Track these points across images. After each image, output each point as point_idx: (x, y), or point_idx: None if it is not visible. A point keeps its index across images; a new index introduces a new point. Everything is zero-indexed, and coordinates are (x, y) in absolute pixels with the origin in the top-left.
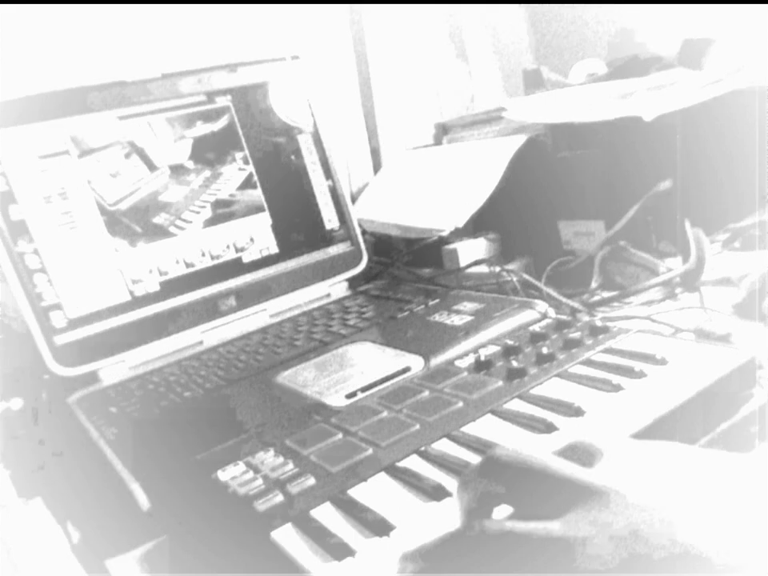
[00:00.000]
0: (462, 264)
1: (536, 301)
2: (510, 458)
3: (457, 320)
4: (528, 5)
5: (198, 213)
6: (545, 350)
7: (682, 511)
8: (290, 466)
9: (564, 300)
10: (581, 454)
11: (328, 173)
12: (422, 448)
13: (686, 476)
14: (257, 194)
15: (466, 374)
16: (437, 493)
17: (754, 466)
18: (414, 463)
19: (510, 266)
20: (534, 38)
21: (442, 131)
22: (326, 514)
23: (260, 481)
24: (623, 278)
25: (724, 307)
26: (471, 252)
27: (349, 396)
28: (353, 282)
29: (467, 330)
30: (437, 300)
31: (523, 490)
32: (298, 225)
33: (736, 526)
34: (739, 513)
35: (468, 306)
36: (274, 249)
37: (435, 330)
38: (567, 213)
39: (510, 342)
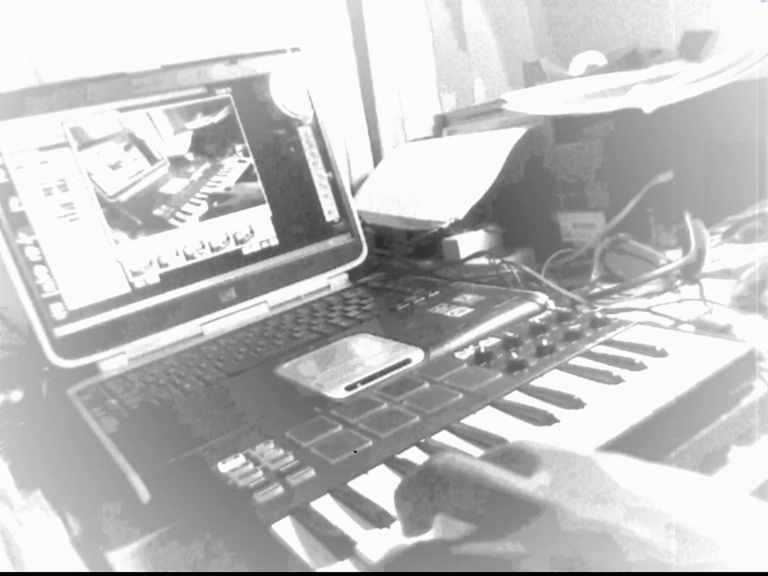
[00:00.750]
0: (462, 256)
1: (536, 293)
2: (446, 470)
3: (457, 312)
4: None
5: (198, 205)
6: (545, 342)
7: (624, 532)
8: (290, 458)
9: (564, 292)
10: (520, 459)
11: (328, 165)
12: (422, 440)
13: (627, 491)
14: (257, 186)
15: (465, 366)
16: None
17: (700, 485)
18: (414, 455)
19: (510, 258)
20: (534, 30)
21: (442, 123)
22: (326, 506)
23: (260, 473)
24: (623, 270)
25: (724, 299)
26: (471, 244)
27: (349, 388)
28: (353, 274)
29: (467, 322)
30: (437, 292)
31: (461, 501)
32: (298, 217)
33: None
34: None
35: (468, 298)
36: (274, 241)
37: (435, 321)
38: (567, 205)
39: (510, 334)
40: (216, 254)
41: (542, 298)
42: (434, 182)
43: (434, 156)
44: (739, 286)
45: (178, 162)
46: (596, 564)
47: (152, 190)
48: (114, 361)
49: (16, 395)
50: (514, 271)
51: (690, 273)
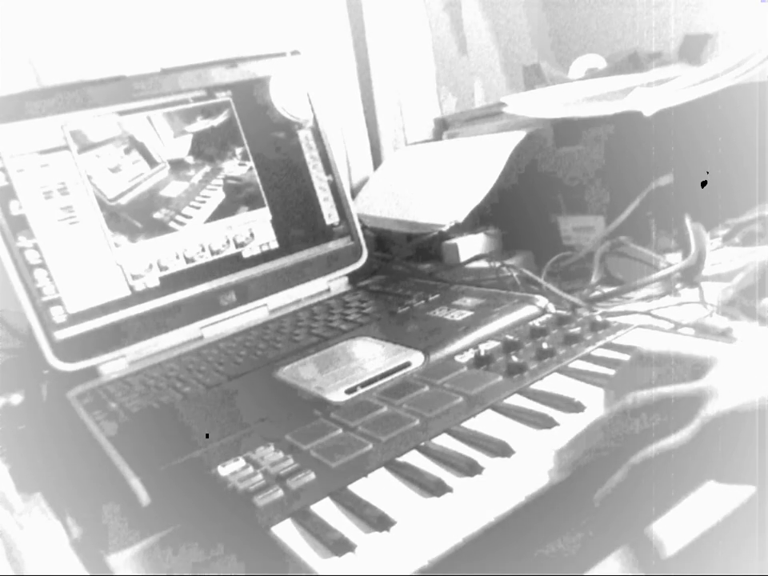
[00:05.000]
0: (462, 259)
1: (536, 296)
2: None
3: (457, 315)
4: None
5: (198, 208)
6: (545, 346)
7: None
8: (290, 461)
9: (564, 295)
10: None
11: (328, 168)
12: (422, 443)
13: None
14: (257, 190)
15: (465, 369)
16: (437, 488)
17: None
18: (414, 458)
19: (509, 262)
20: (534, 34)
21: (442, 126)
22: (326, 510)
23: (260, 476)
24: (623, 273)
25: (722, 303)
26: (471, 247)
27: (349, 391)
28: (353, 278)
29: (467, 326)
30: (437, 295)
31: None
32: (298, 220)
33: None
34: None
35: (468, 301)
36: (274, 244)
37: (435, 325)
38: (567, 208)
39: (510, 338)
40: (216, 257)
41: (542, 301)
42: (434, 186)
43: (434, 159)
44: (728, 291)
45: (178, 165)
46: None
47: (152, 193)
48: (114, 364)
49: (16, 398)
50: (514, 274)
51: (690, 276)
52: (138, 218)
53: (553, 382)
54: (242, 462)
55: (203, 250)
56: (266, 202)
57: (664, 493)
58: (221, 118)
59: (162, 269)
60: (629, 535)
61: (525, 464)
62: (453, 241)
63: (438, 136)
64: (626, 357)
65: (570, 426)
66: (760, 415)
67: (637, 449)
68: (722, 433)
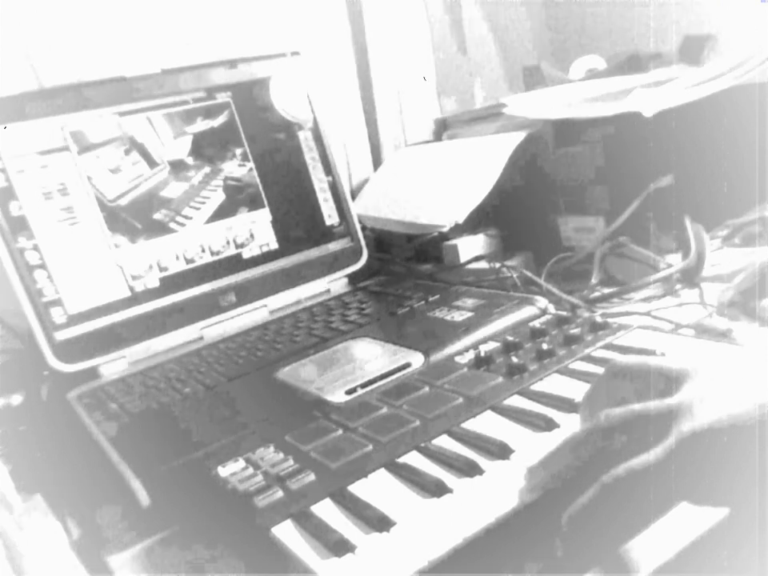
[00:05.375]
0: (462, 260)
1: (536, 297)
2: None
3: (457, 316)
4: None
5: (198, 209)
6: (545, 346)
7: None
8: (290, 462)
9: (564, 296)
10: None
11: (328, 169)
12: (422, 444)
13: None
14: (257, 191)
15: (465, 370)
16: (437, 489)
17: None
18: (414, 459)
19: (510, 262)
20: (534, 34)
21: (442, 127)
22: (326, 510)
23: (260, 477)
24: (623, 273)
25: (722, 303)
26: (471, 248)
27: (349, 392)
28: (353, 278)
29: (467, 326)
30: (437, 296)
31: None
32: (298, 221)
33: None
34: None
35: (468, 302)
36: (274, 245)
37: (435, 326)
38: (567, 209)
39: (510, 338)
40: (216, 257)
41: (542, 302)
42: (434, 186)
43: (434, 160)
44: (728, 292)
45: (177, 166)
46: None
47: (152, 193)
48: (114, 365)
49: (16, 399)
50: (514, 275)
51: (690, 277)
52: (138, 218)
53: (553, 383)
54: (241, 462)
55: (203, 250)
56: (265, 202)
57: (635, 513)
58: (221, 119)
59: (161, 269)
60: (599, 556)
61: (525, 465)
62: (453, 241)
63: (438, 137)
64: (626, 358)
65: (570, 427)
66: (736, 431)
67: (608, 467)
68: (697, 451)
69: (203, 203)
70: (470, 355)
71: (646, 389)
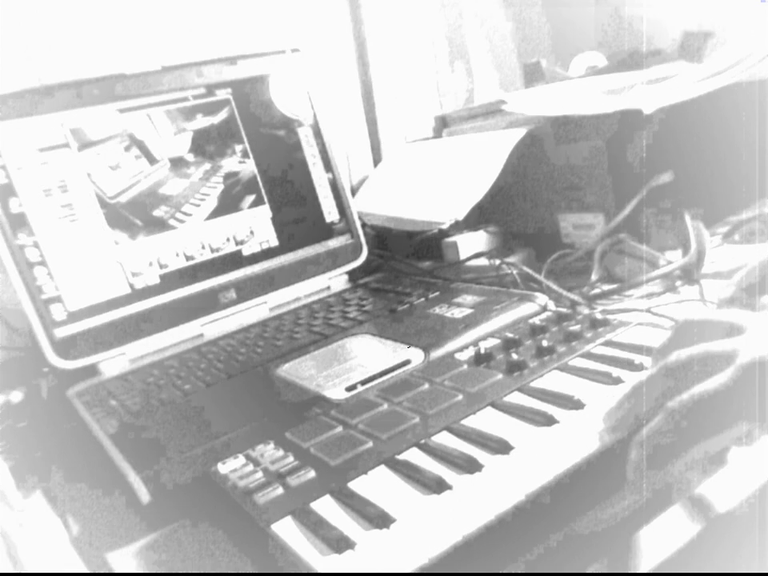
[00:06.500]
0: (462, 257)
1: (536, 294)
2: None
3: (457, 313)
4: None
5: (197, 206)
6: (545, 343)
7: None
8: (290, 458)
9: (564, 293)
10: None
11: (328, 165)
12: (422, 441)
13: None
14: (257, 187)
15: (465, 366)
16: (437, 485)
17: None
18: (414, 456)
19: (509, 259)
20: (534, 31)
21: (442, 124)
22: (326, 507)
23: (260, 474)
24: (623, 270)
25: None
26: (471, 245)
27: (349, 389)
28: (353, 275)
29: (467, 323)
30: (437, 293)
31: None
32: (298, 218)
33: None
34: None
35: (468, 298)
36: (274, 241)
37: (435, 322)
38: (567, 205)
39: (510, 335)
40: (216, 254)
41: (541, 298)
42: (434, 183)
43: (434, 157)
44: (729, 288)
45: (177, 163)
46: None
47: (152, 190)
48: (114, 362)
49: (16, 396)
50: (514, 272)
51: (690, 273)
52: (137, 215)
53: (553, 380)
54: (241, 459)
55: (203, 247)
56: (266, 199)
57: (699, 434)
58: (221, 116)
59: (161, 266)
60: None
61: (524, 461)
62: (453, 238)
63: (438, 134)
64: (626, 354)
65: (570, 424)
66: None
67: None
68: (756, 378)
69: (203, 200)
70: (470, 352)
71: (712, 337)
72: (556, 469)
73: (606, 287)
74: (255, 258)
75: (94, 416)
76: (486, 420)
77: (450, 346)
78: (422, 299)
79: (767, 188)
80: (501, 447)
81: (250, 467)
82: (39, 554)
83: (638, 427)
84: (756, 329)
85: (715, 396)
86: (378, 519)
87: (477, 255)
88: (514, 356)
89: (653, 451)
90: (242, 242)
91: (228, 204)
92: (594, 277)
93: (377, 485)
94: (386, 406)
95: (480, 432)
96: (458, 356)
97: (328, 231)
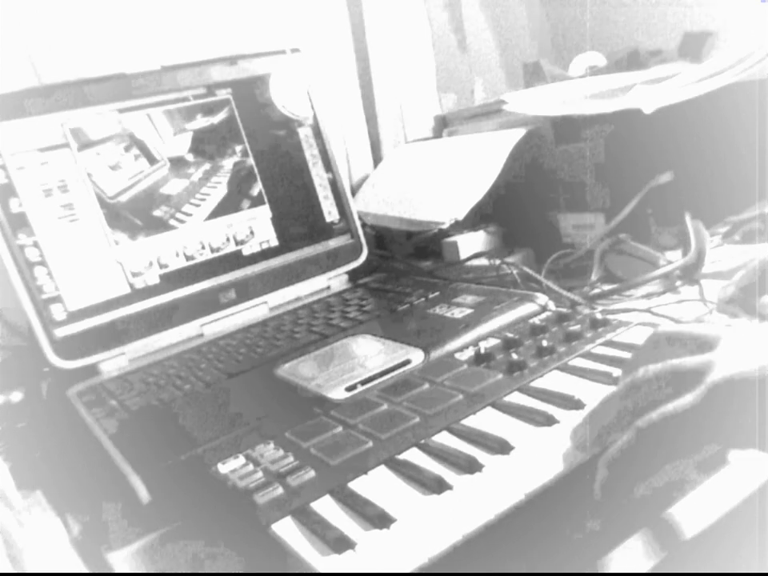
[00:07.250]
0: (462, 257)
1: (536, 294)
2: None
3: (457, 313)
4: None
5: (198, 205)
6: (545, 343)
7: None
8: (290, 458)
9: (564, 293)
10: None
11: (328, 165)
12: (422, 441)
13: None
14: (257, 187)
15: (465, 366)
16: (437, 485)
17: None
18: (414, 456)
19: (509, 259)
20: (534, 31)
21: (442, 124)
22: (326, 507)
23: (260, 474)
24: (623, 270)
25: (722, 300)
26: (471, 245)
27: (349, 389)
28: (353, 275)
29: (467, 323)
30: (437, 293)
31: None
32: (298, 217)
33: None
34: None
35: (468, 298)
36: (274, 241)
37: (435, 322)
38: (567, 205)
39: (510, 335)
40: (216, 254)
41: (541, 298)
42: (434, 183)
43: (434, 157)
44: (729, 289)
45: (177, 163)
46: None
47: (152, 190)
48: (114, 362)
49: (16, 396)
50: (514, 272)
51: (690, 273)
52: (138, 215)
53: (553, 380)
54: (241, 459)
55: (203, 247)
56: (266, 199)
57: (667, 454)
58: (221, 116)
59: (161, 266)
60: (633, 529)
61: (524, 461)
62: (453, 238)
63: (437, 133)
64: (626, 354)
65: (570, 424)
66: (760, 383)
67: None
68: (726, 397)
69: (203, 200)
70: (470, 352)
71: (682, 351)
72: (556, 469)
73: (606, 287)
74: (255, 258)
75: (93, 416)
76: (486, 420)
77: (449, 346)
78: (422, 299)
79: (767, 188)
80: (501, 447)
81: (250, 467)
82: (39, 554)
83: (604, 446)
84: (727, 344)
85: (683, 416)
86: (378, 519)
87: (477, 255)
88: (514, 356)
89: (620, 472)
90: (242, 242)
91: (228, 204)
92: (594, 277)
93: (377, 485)
94: (386, 406)
95: (480, 432)
96: (458, 356)
97: (328, 231)
